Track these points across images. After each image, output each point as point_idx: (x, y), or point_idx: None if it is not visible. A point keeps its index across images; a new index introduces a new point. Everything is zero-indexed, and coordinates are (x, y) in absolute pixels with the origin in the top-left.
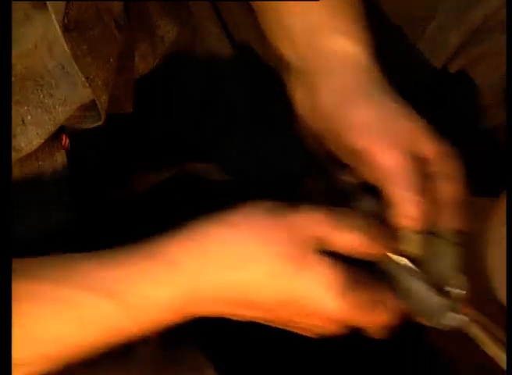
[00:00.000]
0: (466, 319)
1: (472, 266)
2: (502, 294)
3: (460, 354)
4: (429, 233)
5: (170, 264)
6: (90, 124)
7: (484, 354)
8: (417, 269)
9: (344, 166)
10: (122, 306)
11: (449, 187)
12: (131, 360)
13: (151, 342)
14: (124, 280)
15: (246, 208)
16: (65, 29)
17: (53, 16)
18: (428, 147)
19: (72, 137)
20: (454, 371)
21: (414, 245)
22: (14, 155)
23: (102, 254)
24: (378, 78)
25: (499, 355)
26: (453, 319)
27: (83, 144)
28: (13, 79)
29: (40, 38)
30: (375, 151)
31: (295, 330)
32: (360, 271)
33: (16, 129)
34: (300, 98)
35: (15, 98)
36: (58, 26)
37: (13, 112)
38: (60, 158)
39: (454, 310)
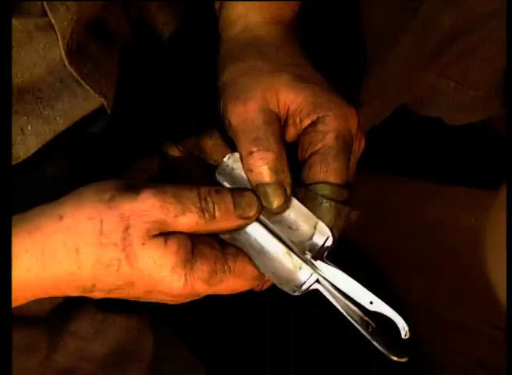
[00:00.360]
0: (314, 278)
1: (472, 266)
2: (501, 293)
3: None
4: (304, 187)
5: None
6: (96, 129)
7: (484, 348)
8: (275, 229)
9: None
10: None
11: (321, 140)
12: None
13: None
14: None
15: (79, 197)
16: (69, 51)
17: (60, 40)
18: (289, 100)
19: (73, 137)
20: (455, 365)
21: (272, 201)
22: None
23: None
24: (262, 38)
25: (341, 311)
26: (302, 280)
27: (85, 145)
28: None
29: (40, 59)
30: (226, 109)
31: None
32: (205, 242)
33: (16, 138)
34: None
35: (13, 107)
36: (63, 50)
37: (12, 122)
38: (61, 160)
39: (306, 270)
